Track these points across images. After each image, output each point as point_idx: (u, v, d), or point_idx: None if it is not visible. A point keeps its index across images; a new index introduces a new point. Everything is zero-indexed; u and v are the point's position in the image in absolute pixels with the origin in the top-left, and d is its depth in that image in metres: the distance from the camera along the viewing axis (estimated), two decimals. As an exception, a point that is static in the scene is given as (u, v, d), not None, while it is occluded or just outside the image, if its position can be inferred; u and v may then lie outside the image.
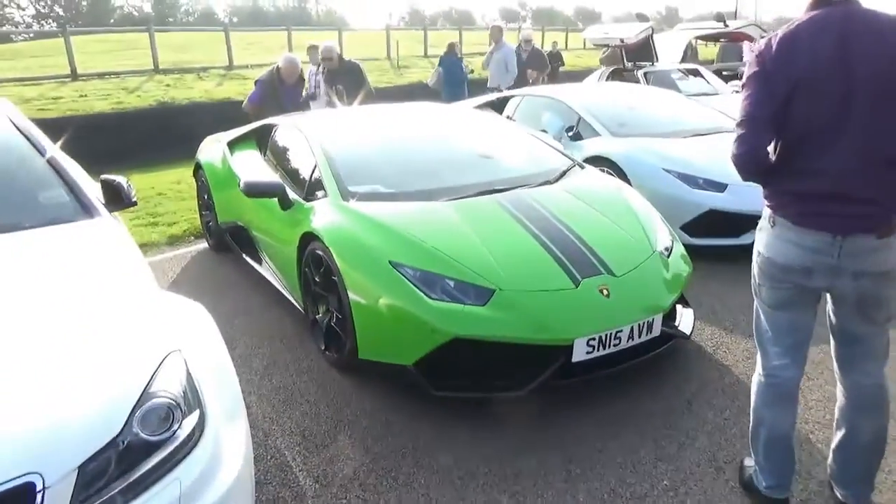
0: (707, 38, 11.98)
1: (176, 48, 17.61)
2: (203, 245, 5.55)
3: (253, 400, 3.06)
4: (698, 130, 5.62)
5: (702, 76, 9.45)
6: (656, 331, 3.02)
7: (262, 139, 4.80)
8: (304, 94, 7.05)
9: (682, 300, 3.43)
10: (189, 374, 1.76)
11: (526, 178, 3.74)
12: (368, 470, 2.55)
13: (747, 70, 2.03)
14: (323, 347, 3.36)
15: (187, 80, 13.81)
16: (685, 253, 3.48)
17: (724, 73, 10.86)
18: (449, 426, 2.80)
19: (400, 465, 2.57)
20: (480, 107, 6.91)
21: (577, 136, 5.63)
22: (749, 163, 2.06)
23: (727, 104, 7.96)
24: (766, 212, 2.14)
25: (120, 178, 2.74)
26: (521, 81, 8.95)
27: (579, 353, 2.80)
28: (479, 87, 9.50)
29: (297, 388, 3.16)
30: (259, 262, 4.34)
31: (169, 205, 7.03)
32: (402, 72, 16.84)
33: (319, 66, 7.10)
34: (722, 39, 11.98)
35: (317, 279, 3.32)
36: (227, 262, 5.02)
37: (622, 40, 9.10)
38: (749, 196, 4.77)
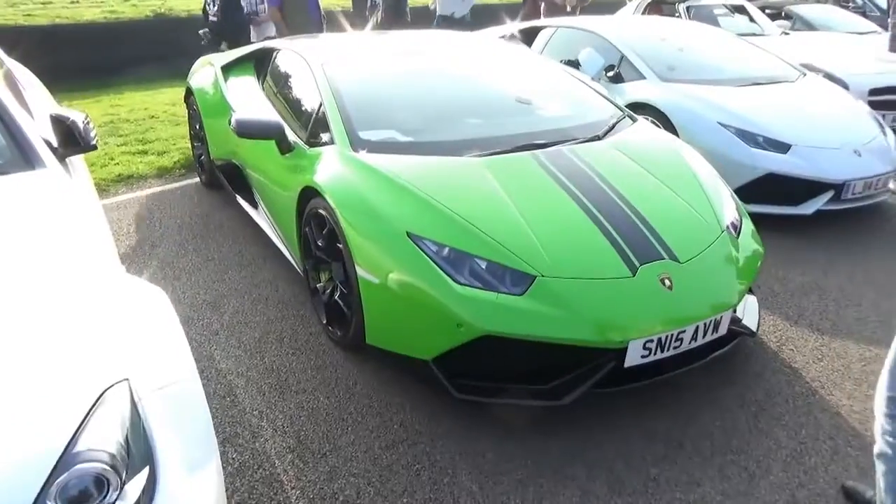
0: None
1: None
2: (195, 180, 4.99)
3: (240, 385, 2.59)
4: (757, 79, 4.94)
5: (747, 13, 8.58)
6: (723, 329, 2.52)
7: (260, 65, 4.16)
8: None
9: (745, 287, 2.92)
10: (136, 413, 1.27)
11: (570, 130, 3.14)
12: (376, 492, 2.10)
13: None
14: (324, 321, 2.87)
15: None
16: (755, 231, 2.93)
17: (767, 10, 9.92)
18: (474, 434, 2.34)
19: (414, 487, 2.12)
20: (505, 38, 6.17)
21: (617, 78, 4.96)
22: None
23: (776, 46, 7.21)
24: None
25: (75, 115, 2.17)
26: (533, 13, 8.00)
27: (633, 357, 2.31)
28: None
29: (293, 371, 2.69)
30: (255, 206, 3.80)
31: (161, 130, 6.41)
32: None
33: None
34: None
35: (319, 243, 2.79)
36: (220, 202, 4.48)
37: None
38: (815, 159, 4.19)
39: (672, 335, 2.34)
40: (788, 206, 4.19)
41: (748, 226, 2.92)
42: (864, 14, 10.79)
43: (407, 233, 2.38)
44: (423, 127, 3.08)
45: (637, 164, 2.95)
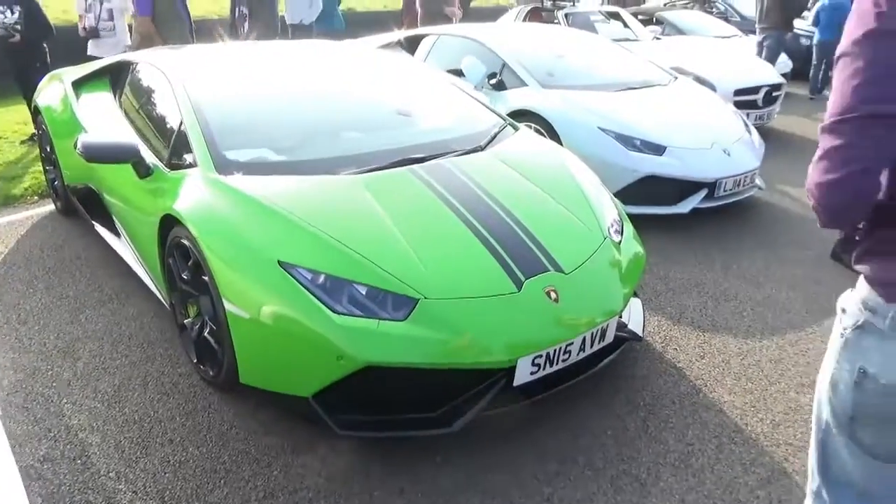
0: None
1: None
2: (49, 207, 4.51)
3: (94, 442, 2.30)
4: (632, 83, 5.11)
5: (622, 20, 8.96)
6: (609, 337, 2.51)
7: (116, 80, 3.80)
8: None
9: (629, 289, 2.95)
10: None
11: (451, 142, 3.06)
12: (252, 553, 1.90)
13: (854, 27, 1.07)
14: (195, 360, 2.62)
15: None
16: (636, 236, 2.97)
17: (640, 17, 10.43)
18: (361, 471, 2.19)
19: (296, 541, 1.94)
20: (387, 46, 6.06)
21: (500, 86, 4.98)
22: (853, 195, 1.11)
23: (649, 51, 7.55)
24: (868, 298, 1.18)
25: None
26: (412, 22, 7.90)
27: (523, 375, 2.24)
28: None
29: (158, 419, 2.42)
30: (117, 235, 3.45)
31: (11, 152, 5.79)
32: None
33: None
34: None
35: (184, 275, 2.54)
36: (78, 231, 4.06)
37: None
38: (689, 160, 4.37)
39: (560, 348, 2.30)
40: (667, 207, 4.34)
41: (630, 230, 2.95)
42: (726, 19, 11.60)
43: (278, 261, 2.19)
44: (297, 144, 2.89)
45: (519, 173, 2.91)
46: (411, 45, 5.97)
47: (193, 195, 2.51)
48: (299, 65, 3.54)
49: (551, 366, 2.31)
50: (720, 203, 4.46)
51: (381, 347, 2.08)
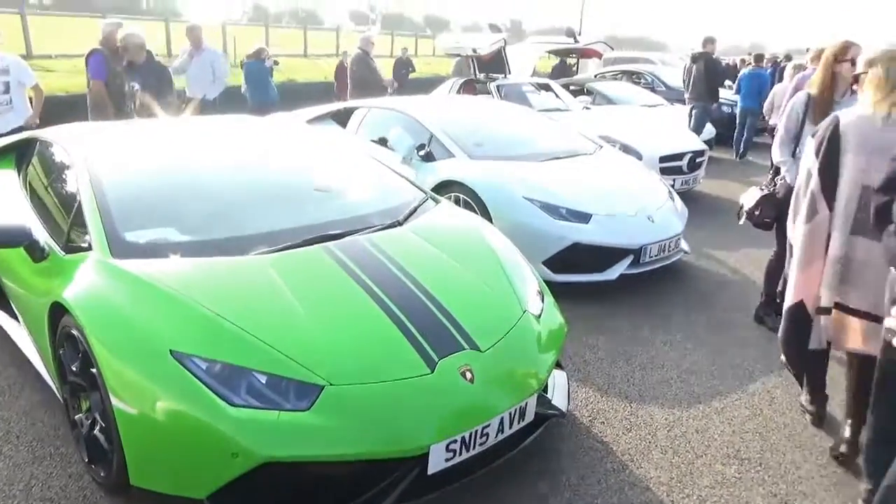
0: (557, 53, 12.04)
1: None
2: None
3: (-39, 562, 2.05)
4: (557, 153, 5.24)
5: (553, 91, 9.31)
6: (530, 416, 2.43)
7: (22, 157, 3.64)
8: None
9: (554, 361, 2.90)
10: None
11: (367, 217, 3.01)
12: None
13: None
14: (86, 460, 2.40)
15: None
16: (556, 306, 2.94)
17: (572, 87, 10.89)
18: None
19: None
20: (318, 118, 6.09)
21: (429, 157, 5.02)
22: None
23: (577, 120, 7.83)
24: None
25: None
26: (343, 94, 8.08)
27: (437, 463, 2.13)
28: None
29: (40, 530, 2.18)
30: (15, 320, 3.21)
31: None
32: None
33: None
34: (572, 55, 12.09)
35: (73, 367, 2.36)
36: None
37: (475, 50, 8.69)
38: (614, 227, 4.44)
39: (477, 431, 2.21)
40: (594, 274, 4.37)
41: (549, 301, 2.93)
42: (652, 89, 12.23)
43: (170, 350, 2.05)
44: (205, 223, 2.79)
45: (437, 248, 2.87)
46: (343, 117, 6.01)
47: (84, 281, 2.36)
48: (214, 141, 3.47)
49: (468, 451, 2.20)
50: (647, 269, 4.52)
51: (280, 441, 1.94)
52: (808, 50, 14.09)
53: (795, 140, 3.60)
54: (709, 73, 8.94)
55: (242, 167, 3.24)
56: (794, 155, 3.62)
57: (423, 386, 2.19)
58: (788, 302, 2.73)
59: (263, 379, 2.04)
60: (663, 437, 2.87)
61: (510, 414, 2.32)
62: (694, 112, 9.15)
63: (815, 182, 2.57)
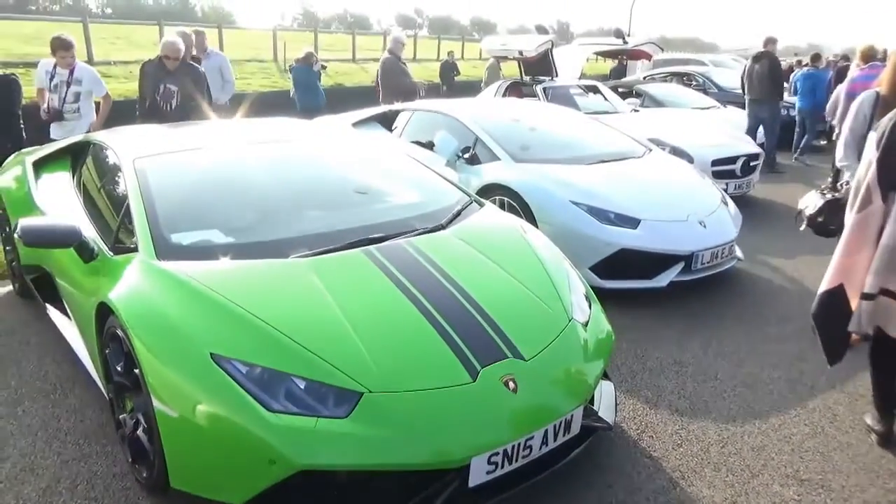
0: (606, 55, 11.85)
1: (25, 38, 15.47)
2: (8, 288, 4.36)
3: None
4: (604, 156, 5.10)
5: (600, 93, 9.13)
6: (575, 428, 2.34)
7: (76, 160, 3.74)
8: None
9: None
10: None
11: (410, 221, 2.96)
12: None
13: None
14: (130, 460, 2.42)
15: (33, 75, 11.98)
16: (604, 314, 2.84)
17: (620, 89, 10.67)
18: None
19: None
20: (364, 122, 6.10)
21: (473, 160, 4.96)
22: None
23: (627, 123, 7.65)
24: None
25: None
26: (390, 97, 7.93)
27: (478, 476, 2.06)
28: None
29: (83, 529, 2.20)
30: (68, 318, 3.29)
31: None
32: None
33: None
34: (621, 56, 11.87)
35: (118, 367, 2.38)
36: (32, 315, 3.89)
37: (521, 52, 8.59)
38: (664, 232, 4.29)
39: (520, 444, 2.13)
40: (643, 281, 4.22)
41: (596, 309, 2.83)
42: (704, 91, 11.88)
43: (210, 354, 2.04)
44: (249, 225, 2.79)
45: (481, 253, 2.80)
46: (388, 120, 6.01)
47: (129, 282, 2.39)
48: (258, 143, 3.48)
49: (510, 463, 2.13)
50: (698, 276, 4.35)
51: (318, 449, 1.91)
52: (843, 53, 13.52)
53: (861, 141, 3.40)
54: (773, 72, 8.69)
55: (285, 169, 3.25)
56: (859, 158, 3.42)
57: (464, 395, 2.12)
58: (827, 285, 2.69)
59: (302, 385, 2.01)
60: (716, 453, 2.73)
61: (555, 426, 2.23)
62: (759, 115, 8.94)
63: (873, 173, 2.54)
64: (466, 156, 4.97)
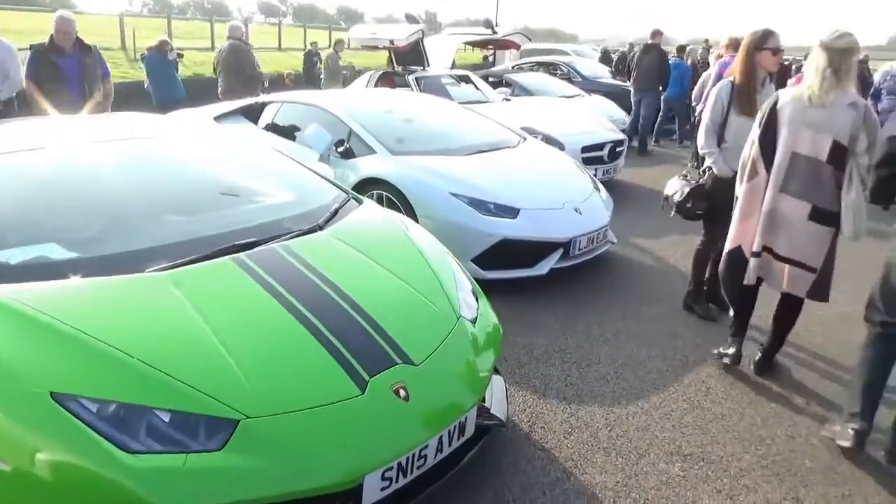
0: (476, 45, 11.95)
1: None
2: None
3: None
4: (481, 146, 5.10)
5: (472, 83, 9.20)
6: (470, 430, 2.27)
7: None
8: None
9: (490, 367, 2.75)
10: None
11: (283, 223, 2.75)
12: None
13: None
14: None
15: None
16: (491, 308, 2.79)
17: (490, 79, 10.83)
18: None
19: None
20: (227, 115, 5.70)
21: (348, 154, 4.76)
22: None
23: (499, 113, 7.75)
24: None
25: None
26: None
27: (372, 494, 1.93)
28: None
29: None
30: None
31: None
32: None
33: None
34: (490, 46, 12.03)
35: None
36: None
37: (392, 42, 8.44)
38: (543, 221, 4.34)
39: (415, 454, 2.02)
40: (524, 269, 4.26)
41: (484, 305, 2.77)
42: (569, 80, 12.36)
43: (51, 393, 1.74)
44: (94, 237, 2.45)
45: (362, 253, 2.65)
46: (254, 113, 5.65)
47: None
48: (104, 142, 3.08)
49: (405, 476, 2.02)
50: (576, 262, 4.47)
51: (190, 490, 1.68)
52: (706, 41, 14.70)
53: (721, 129, 3.60)
54: (662, 64, 9.37)
55: (137, 171, 2.89)
56: (719, 144, 3.62)
57: (353, 409, 1.98)
58: (728, 246, 3.24)
59: (167, 417, 1.77)
60: (605, 437, 2.78)
61: (449, 431, 2.15)
62: (644, 102, 9.68)
63: (756, 149, 3.04)
64: (340, 150, 4.77)
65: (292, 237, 2.62)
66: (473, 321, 2.58)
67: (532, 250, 4.28)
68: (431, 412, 2.14)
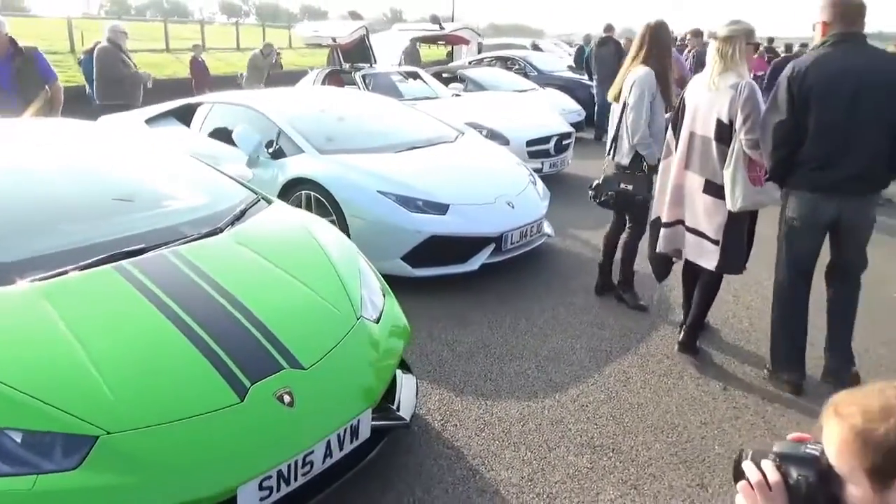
0: (425, 41, 11.89)
1: None
2: None
3: None
4: (415, 143, 5.05)
5: (421, 79, 9.15)
6: (365, 433, 2.23)
7: None
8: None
9: (402, 364, 2.72)
10: None
11: (180, 227, 2.67)
12: None
13: None
14: None
15: None
16: (398, 307, 2.75)
17: (445, 75, 10.79)
18: None
19: None
20: (159, 117, 5.58)
21: (278, 154, 4.68)
22: None
23: (447, 108, 7.72)
24: None
25: None
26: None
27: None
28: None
29: None
30: None
31: None
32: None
33: None
34: (440, 42, 11.98)
35: None
36: None
37: (334, 39, 8.34)
38: (473, 216, 4.31)
39: (297, 461, 1.98)
40: (456, 266, 4.23)
41: (391, 304, 2.73)
42: (525, 74, 12.37)
43: None
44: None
45: (261, 256, 2.59)
46: (186, 115, 5.53)
47: None
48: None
49: (288, 484, 1.97)
50: (509, 256, 4.45)
51: (34, 515, 1.62)
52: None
53: (647, 115, 3.71)
54: (619, 55, 9.39)
55: (17, 178, 2.78)
56: (651, 132, 3.75)
57: (229, 419, 1.92)
58: (651, 217, 3.60)
59: (18, 437, 1.70)
60: (517, 433, 2.76)
61: (339, 435, 2.11)
62: (601, 92, 9.64)
63: (670, 131, 3.43)
64: (270, 150, 4.69)
65: (186, 242, 2.54)
66: (377, 321, 2.54)
67: (463, 246, 4.25)
68: (318, 417, 2.09)
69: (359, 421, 2.19)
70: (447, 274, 4.20)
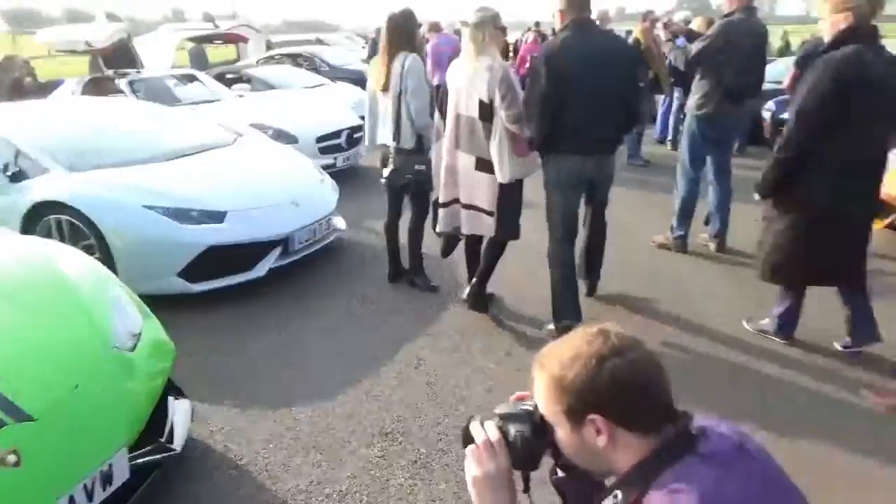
0: (200, 40, 11.18)
1: None
2: None
3: None
4: (186, 150, 4.70)
5: (200, 81, 8.61)
6: (121, 475, 2.03)
7: None
8: None
9: (173, 388, 2.53)
10: None
11: None
12: None
13: None
14: None
15: None
16: (161, 331, 2.54)
17: (229, 76, 10.26)
18: None
19: None
20: None
21: (18, 177, 4.11)
22: None
23: (230, 110, 7.34)
24: None
25: None
26: None
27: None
28: None
29: None
30: None
31: None
32: None
33: None
34: (215, 41, 11.34)
35: None
36: None
37: (89, 44, 7.53)
38: (253, 220, 4.12)
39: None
40: (240, 274, 4.03)
41: (152, 328, 2.52)
42: (316, 70, 12.15)
43: None
44: None
45: (-16, 298, 2.24)
46: None
47: None
48: None
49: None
50: (299, 256, 4.34)
51: None
52: (536, 24, 14.96)
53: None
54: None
55: None
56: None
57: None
58: (433, 198, 3.79)
59: None
60: (307, 437, 2.70)
61: (86, 486, 1.89)
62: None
63: (437, 115, 3.66)
64: (9, 173, 4.10)
65: None
66: (132, 349, 2.32)
67: (246, 253, 4.06)
68: (56, 470, 1.86)
69: (110, 465, 1.99)
70: (233, 284, 3.99)
